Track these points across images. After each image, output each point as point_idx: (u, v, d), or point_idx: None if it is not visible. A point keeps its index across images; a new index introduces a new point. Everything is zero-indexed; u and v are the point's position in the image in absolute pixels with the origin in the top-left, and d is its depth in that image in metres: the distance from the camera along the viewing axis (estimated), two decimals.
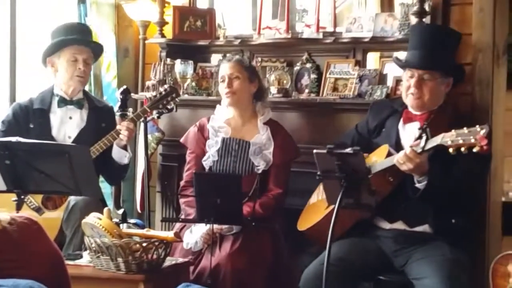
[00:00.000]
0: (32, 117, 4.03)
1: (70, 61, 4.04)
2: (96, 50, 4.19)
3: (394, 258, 3.36)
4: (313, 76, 4.21)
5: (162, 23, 4.65)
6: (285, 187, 3.82)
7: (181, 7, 4.67)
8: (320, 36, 4.16)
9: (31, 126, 4.00)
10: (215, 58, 4.69)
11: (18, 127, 3.98)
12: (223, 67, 3.90)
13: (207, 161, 3.86)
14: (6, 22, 4.66)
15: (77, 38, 4.06)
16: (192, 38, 4.61)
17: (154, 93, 4.02)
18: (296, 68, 4.28)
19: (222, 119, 3.91)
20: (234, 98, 3.83)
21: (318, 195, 3.61)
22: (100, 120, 4.08)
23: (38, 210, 3.78)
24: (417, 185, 3.18)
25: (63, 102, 4.08)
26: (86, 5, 4.88)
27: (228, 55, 3.97)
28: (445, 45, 3.40)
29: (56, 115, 4.07)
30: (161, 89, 4.01)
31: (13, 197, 3.27)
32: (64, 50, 4.05)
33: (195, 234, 3.67)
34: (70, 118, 4.08)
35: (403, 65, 3.47)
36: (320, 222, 3.40)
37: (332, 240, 2.89)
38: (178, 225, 3.84)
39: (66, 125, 4.06)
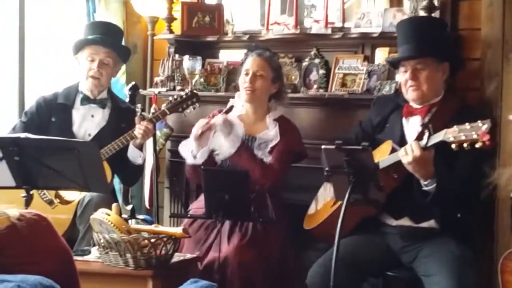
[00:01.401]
0: (55, 111, 4.08)
1: (88, 61, 4.08)
2: (121, 53, 4.19)
3: (402, 255, 3.35)
4: (321, 71, 4.20)
5: (170, 19, 4.65)
6: (280, 168, 3.77)
7: (189, 2, 4.67)
8: (329, 31, 4.15)
9: (53, 120, 4.05)
10: (223, 53, 4.69)
11: (40, 119, 4.05)
12: (251, 60, 3.86)
13: (217, 157, 3.85)
14: (15, 20, 4.67)
15: (97, 38, 4.07)
16: (201, 34, 4.61)
17: (175, 96, 4.00)
18: (305, 63, 4.27)
19: (235, 114, 3.90)
20: (253, 95, 3.82)
21: (318, 203, 3.62)
22: (120, 120, 4.10)
23: (50, 202, 3.82)
24: (425, 188, 3.16)
25: (86, 100, 4.12)
26: (95, 1, 4.88)
27: (258, 49, 3.90)
28: (430, 33, 3.40)
29: (79, 112, 4.11)
30: (182, 93, 4.02)
31: (22, 193, 3.29)
32: (85, 49, 4.10)
33: (189, 141, 3.71)
34: (92, 116, 4.12)
35: (394, 61, 3.48)
36: (326, 220, 3.40)
37: (341, 235, 2.88)
38: (186, 221, 3.84)
39: (88, 123, 4.10)
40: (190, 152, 3.77)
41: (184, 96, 3.98)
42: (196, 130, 3.72)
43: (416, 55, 3.36)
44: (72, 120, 4.08)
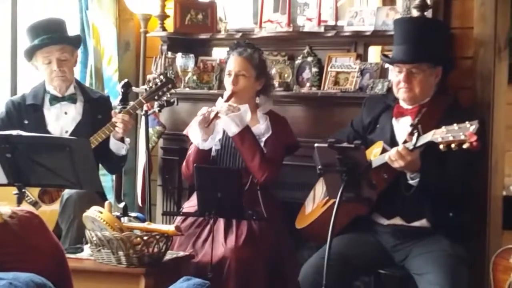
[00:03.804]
0: (26, 113, 4.01)
1: (45, 64, 4.00)
2: (72, 42, 4.11)
3: (394, 253, 3.36)
4: (314, 69, 4.20)
5: (163, 17, 4.64)
6: (277, 160, 3.78)
7: (182, 0, 4.65)
8: (322, 29, 4.15)
9: (26, 122, 3.97)
10: (216, 51, 4.69)
11: (12, 124, 3.93)
12: (232, 60, 3.86)
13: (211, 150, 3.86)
14: (7, 15, 4.66)
15: (45, 40, 3.98)
16: (193, 31, 4.60)
17: (150, 84, 3.99)
18: (298, 61, 4.27)
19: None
20: (237, 96, 3.82)
21: (310, 203, 3.62)
22: (96, 112, 4.07)
23: (35, 204, 3.77)
24: (410, 181, 3.17)
25: (55, 100, 4.05)
26: None
27: (239, 47, 3.89)
28: (429, 36, 3.40)
29: (51, 111, 4.05)
30: (157, 80, 3.98)
31: (14, 190, 3.28)
32: (37, 54, 4.02)
33: (194, 127, 3.74)
34: (66, 113, 4.06)
35: (390, 61, 3.48)
36: (317, 220, 3.40)
37: (333, 233, 2.89)
38: (179, 219, 3.84)
39: (62, 120, 4.04)
40: (201, 140, 3.78)
41: (159, 83, 3.94)
42: (201, 119, 3.72)
43: (413, 60, 3.35)
44: (45, 120, 4.02)
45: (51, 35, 4.00)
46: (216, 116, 3.74)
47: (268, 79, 3.93)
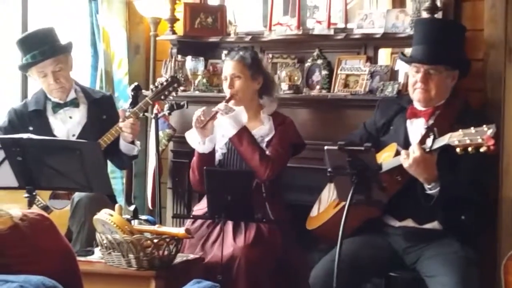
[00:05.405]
0: (30, 120, 4.01)
1: (41, 78, 4.00)
2: (64, 51, 4.06)
3: (405, 255, 3.35)
4: (324, 72, 4.20)
5: (173, 20, 4.66)
6: (279, 158, 3.76)
7: (192, 3, 4.67)
8: (331, 32, 4.15)
9: (31, 128, 3.95)
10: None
11: (16, 132, 3.85)
12: (226, 65, 3.89)
13: (217, 154, 3.87)
14: (18, 19, 4.68)
15: (37, 56, 3.96)
16: (203, 34, 4.61)
17: (156, 84, 4.00)
18: (307, 64, 4.27)
19: None
20: (236, 98, 3.83)
21: (321, 204, 3.61)
22: (100, 113, 4.07)
23: (45, 208, 3.77)
24: (429, 192, 3.15)
25: (58, 107, 4.06)
26: (98, 2, 4.88)
27: (232, 52, 3.91)
28: (449, 39, 3.39)
29: (56, 118, 4.05)
30: (163, 80, 3.99)
31: (24, 193, 3.29)
32: (32, 70, 4.02)
33: (193, 133, 3.75)
34: (70, 117, 4.06)
35: (409, 60, 3.46)
36: (329, 221, 3.40)
37: (344, 236, 2.88)
38: (189, 221, 3.85)
39: (68, 124, 4.04)
40: (198, 142, 3.78)
41: (165, 83, 3.94)
42: (197, 120, 3.72)
43: (432, 61, 3.33)
44: (50, 125, 4.01)
45: (42, 49, 3.96)
46: (213, 116, 3.74)
47: (267, 77, 3.91)
